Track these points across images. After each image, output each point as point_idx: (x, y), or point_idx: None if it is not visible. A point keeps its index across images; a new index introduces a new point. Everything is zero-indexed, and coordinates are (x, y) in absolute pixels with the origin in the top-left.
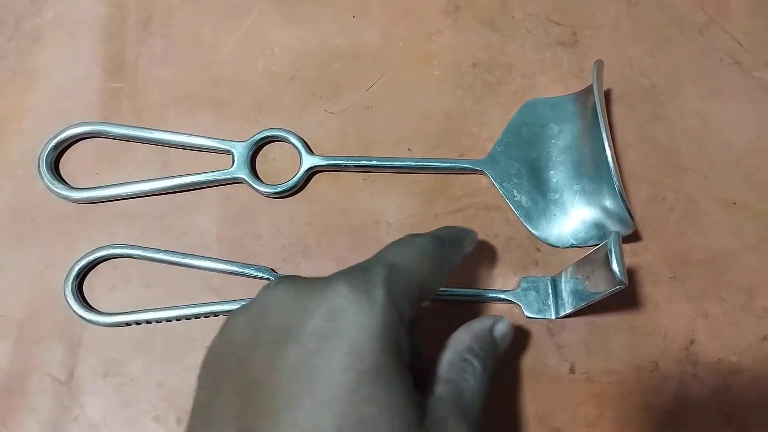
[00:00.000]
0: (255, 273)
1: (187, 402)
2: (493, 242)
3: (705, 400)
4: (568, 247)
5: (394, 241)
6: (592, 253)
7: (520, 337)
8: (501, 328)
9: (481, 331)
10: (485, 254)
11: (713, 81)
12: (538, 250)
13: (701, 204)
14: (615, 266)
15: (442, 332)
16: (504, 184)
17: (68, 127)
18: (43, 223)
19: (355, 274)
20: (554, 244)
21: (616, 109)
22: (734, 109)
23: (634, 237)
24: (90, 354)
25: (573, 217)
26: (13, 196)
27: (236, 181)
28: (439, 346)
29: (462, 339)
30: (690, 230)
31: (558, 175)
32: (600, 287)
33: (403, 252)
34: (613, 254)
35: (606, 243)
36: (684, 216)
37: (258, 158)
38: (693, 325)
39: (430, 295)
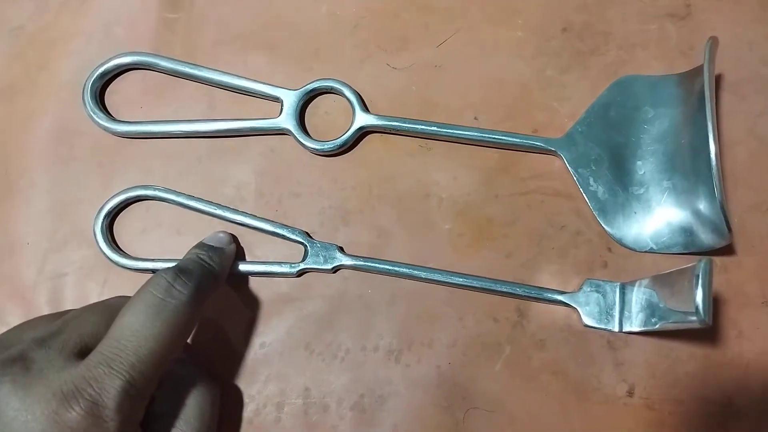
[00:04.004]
0: (289, 235)
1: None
2: (558, 235)
3: None
4: (645, 252)
5: (131, 311)
6: (675, 273)
7: (575, 345)
8: (212, 236)
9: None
10: (547, 247)
11: None
12: (610, 250)
13: None
14: (699, 301)
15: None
16: (580, 170)
17: (116, 56)
18: (81, 151)
19: (81, 399)
20: (630, 246)
21: (726, 97)
22: None
23: (727, 249)
24: (112, 295)
25: (657, 218)
26: (55, 119)
27: (282, 132)
28: None
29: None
30: None
31: (646, 167)
32: (677, 317)
33: (145, 335)
34: (700, 286)
35: (693, 267)
36: None
37: (308, 110)
38: None
39: (176, 353)
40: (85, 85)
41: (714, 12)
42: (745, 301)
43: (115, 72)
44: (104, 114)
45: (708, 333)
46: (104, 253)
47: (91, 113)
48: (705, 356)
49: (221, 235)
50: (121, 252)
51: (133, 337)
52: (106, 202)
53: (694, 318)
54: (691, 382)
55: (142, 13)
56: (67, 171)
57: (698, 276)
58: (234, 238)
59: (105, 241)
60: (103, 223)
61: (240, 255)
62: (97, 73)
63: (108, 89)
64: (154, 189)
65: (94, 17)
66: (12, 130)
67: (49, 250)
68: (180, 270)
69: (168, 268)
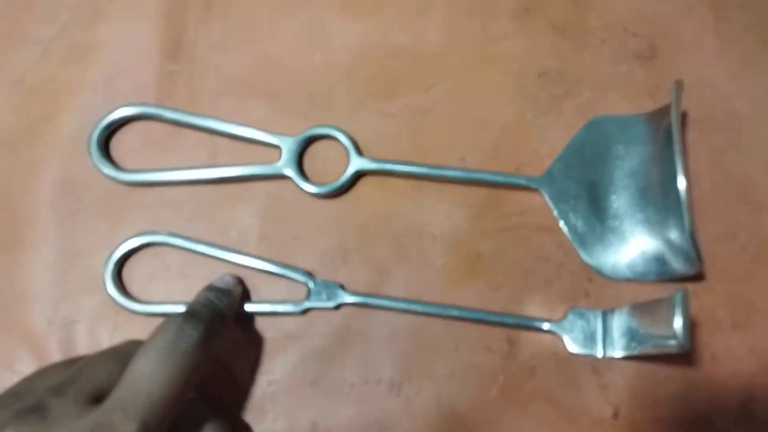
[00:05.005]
0: (292, 275)
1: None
2: (542, 267)
3: None
4: (623, 280)
5: (143, 356)
6: (653, 302)
7: (563, 371)
8: (219, 279)
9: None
10: (532, 279)
11: None
12: (590, 280)
13: None
14: (678, 328)
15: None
16: (560, 206)
17: (121, 107)
18: (88, 202)
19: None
20: (608, 275)
21: (691, 134)
22: None
23: (698, 276)
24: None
25: (632, 248)
26: (61, 171)
27: (282, 177)
28: None
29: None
30: (760, 274)
31: (620, 201)
32: (658, 342)
33: (157, 379)
34: (678, 315)
35: (671, 297)
36: (756, 258)
37: (306, 154)
38: (753, 381)
39: (186, 398)
40: (90, 135)
41: (677, 53)
42: (717, 325)
43: (120, 123)
44: (110, 164)
45: (684, 356)
46: (114, 300)
47: (97, 164)
48: (683, 377)
49: (228, 278)
50: (130, 297)
51: (147, 381)
52: (115, 250)
53: (674, 343)
54: (671, 403)
55: (144, 64)
56: (74, 221)
57: (675, 305)
58: (240, 280)
59: (114, 288)
60: (112, 270)
61: (246, 296)
62: (103, 124)
63: (113, 139)
64: (161, 235)
65: (97, 69)
66: (17, 182)
67: (59, 299)
68: (189, 314)
69: (178, 313)
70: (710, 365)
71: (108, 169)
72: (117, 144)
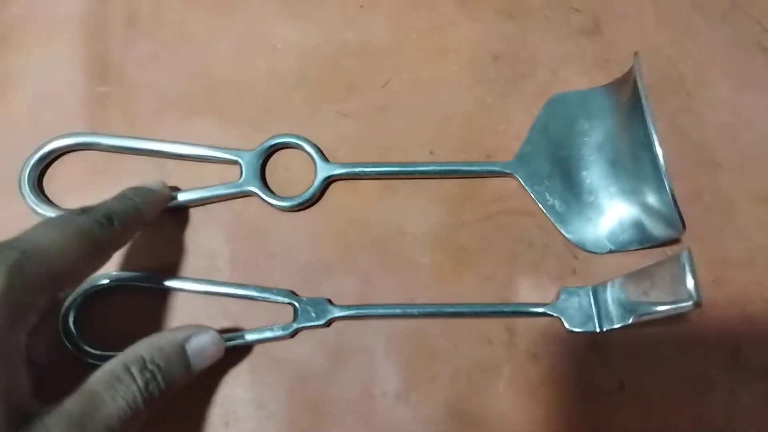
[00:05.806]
0: (275, 297)
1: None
2: (528, 251)
3: (757, 408)
4: (606, 253)
5: (49, 219)
6: (652, 268)
7: (565, 352)
8: (197, 344)
9: (167, 345)
10: (520, 264)
11: (741, 70)
12: (576, 257)
13: (737, 202)
14: (691, 287)
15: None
16: (535, 187)
17: (52, 140)
18: None
19: None
20: (592, 249)
21: None
22: (765, 99)
23: (673, 240)
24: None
25: (610, 220)
26: None
27: (246, 194)
28: None
29: (136, 349)
30: (728, 230)
31: (592, 176)
32: (665, 306)
33: (49, 235)
34: (689, 273)
35: (677, 258)
36: (721, 215)
37: (267, 167)
38: (738, 331)
39: (76, 283)
40: (20, 175)
41: (619, 26)
42: (699, 283)
43: (53, 157)
44: (46, 203)
45: (677, 318)
46: (72, 352)
47: (32, 204)
48: (675, 339)
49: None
50: (85, 351)
51: (32, 232)
52: (71, 300)
53: (687, 303)
54: (669, 365)
55: (69, 90)
56: None
57: (684, 265)
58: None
59: (69, 341)
60: (70, 319)
61: (228, 326)
62: (33, 160)
63: (45, 176)
64: (119, 277)
65: (15, 102)
66: None
67: None
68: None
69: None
70: (699, 322)
71: (45, 210)
72: (52, 180)
